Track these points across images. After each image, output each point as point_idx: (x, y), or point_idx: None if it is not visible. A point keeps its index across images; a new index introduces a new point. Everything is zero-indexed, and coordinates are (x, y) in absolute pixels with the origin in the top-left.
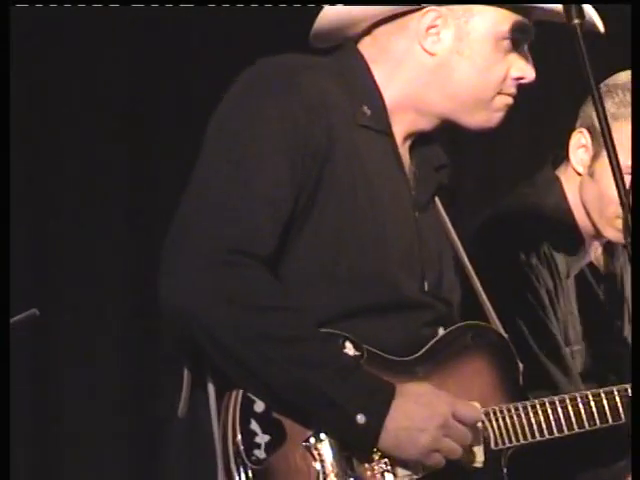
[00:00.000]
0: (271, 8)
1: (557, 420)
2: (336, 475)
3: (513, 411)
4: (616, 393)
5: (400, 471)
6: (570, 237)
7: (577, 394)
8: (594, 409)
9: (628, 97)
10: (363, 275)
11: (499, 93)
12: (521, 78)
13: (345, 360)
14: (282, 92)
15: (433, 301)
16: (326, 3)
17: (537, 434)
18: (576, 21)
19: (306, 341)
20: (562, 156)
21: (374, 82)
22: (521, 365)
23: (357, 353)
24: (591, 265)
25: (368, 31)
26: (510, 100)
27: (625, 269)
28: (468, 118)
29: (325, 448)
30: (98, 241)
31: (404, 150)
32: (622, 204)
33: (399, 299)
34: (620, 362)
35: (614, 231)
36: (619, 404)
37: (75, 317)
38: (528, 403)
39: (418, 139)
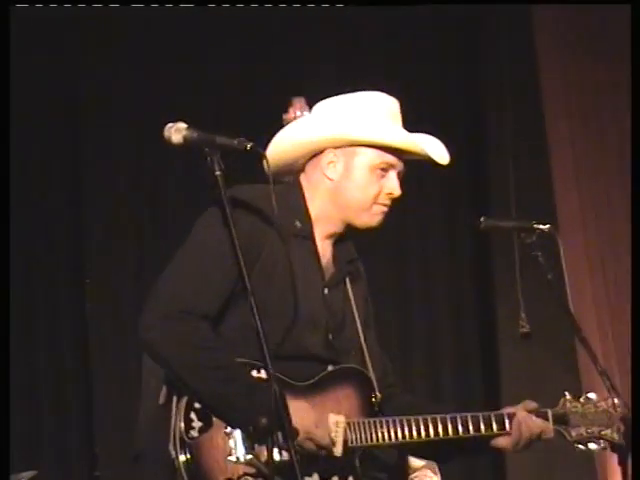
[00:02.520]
0: (271, 8)
1: (395, 432)
2: (241, 452)
3: (366, 423)
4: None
5: (285, 453)
6: None
7: (418, 417)
8: (422, 427)
9: None
10: (279, 335)
11: (375, 203)
12: (390, 194)
13: (252, 382)
14: (235, 212)
15: (329, 350)
16: (326, 4)
17: (381, 440)
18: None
19: (228, 369)
20: None
21: (305, 203)
22: (379, 395)
23: (266, 377)
24: None
25: (303, 167)
26: (384, 208)
27: None
28: (357, 221)
29: (237, 433)
30: None
31: (326, 247)
32: None
33: (304, 351)
34: None
35: None
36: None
37: None
38: (377, 419)
39: (337, 240)
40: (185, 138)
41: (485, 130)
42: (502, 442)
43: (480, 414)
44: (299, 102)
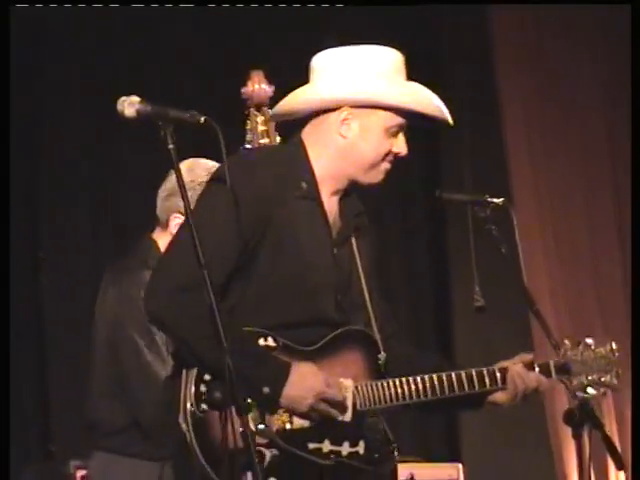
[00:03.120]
0: (271, 8)
1: (402, 393)
2: (253, 422)
3: (373, 386)
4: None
5: (295, 420)
6: None
7: (418, 377)
8: (422, 387)
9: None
10: (291, 300)
11: (383, 161)
12: (398, 153)
13: (258, 350)
14: (241, 184)
15: (339, 312)
16: (325, 4)
17: (388, 402)
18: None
19: (235, 340)
20: None
21: (309, 163)
22: (383, 355)
23: (274, 344)
24: None
25: (307, 121)
26: (389, 166)
27: None
28: (364, 178)
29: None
30: None
31: (332, 204)
32: None
33: (314, 316)
34: None
35: None
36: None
37: None
38: (384, 381)
39: (342, 196)
40: (138, 112)
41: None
42: (498, 397)
43: (474, 370)
44: (257, 75)
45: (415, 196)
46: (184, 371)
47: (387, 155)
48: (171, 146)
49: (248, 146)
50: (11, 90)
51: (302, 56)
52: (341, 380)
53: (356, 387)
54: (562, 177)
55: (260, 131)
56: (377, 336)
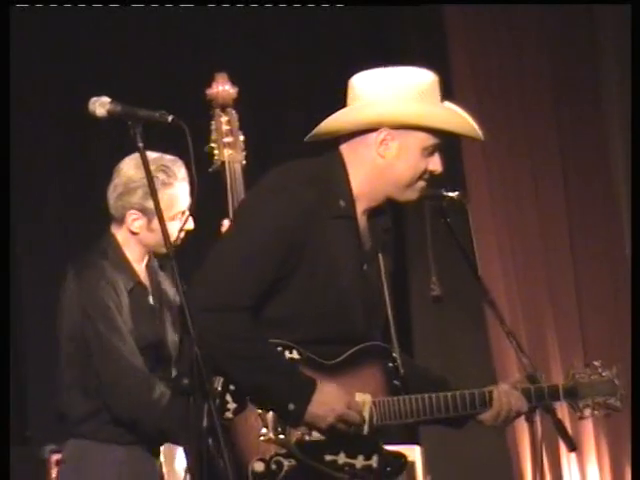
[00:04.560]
0: (271, 8)
1: (416, 411)
2: (273, 431)
3: (390, 402)
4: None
5: (314, 434)
6: None
7: (433, 395)
8: (442, 404)
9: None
10: (321, 318)
11: (419, 180)
12: (434, 171)
13: (286, 366)
14: (281, 202)
15: (365, 329)
16: (326, 4)
17: (403, 419)
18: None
19: (266, 359)
20: None
21: (348, 182)
22: (402, 371)
23: (298, 357)
24: None
25: (346, 139)
26: (424, 184)
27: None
28: (401, 196)
29: (270, 416)
30: None
31: (363, 220)
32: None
33: (342, 332)
34: None
35: None
36: (455, 401)
37: None
38: (400, 398)
39: (373, 211)
40: (109, 111)
41: None
42: (483, 416)
43: (476, 392)
44: (222, 77)
45: None
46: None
47: (424, 174)
48: (140, 144)
49: (213, 145)
50: (11, 90)
51: (265, 57)
52: (360, 395)
53: (374, 402)
54: (514, 173)
55: (224, 130)
56: (397, 351)
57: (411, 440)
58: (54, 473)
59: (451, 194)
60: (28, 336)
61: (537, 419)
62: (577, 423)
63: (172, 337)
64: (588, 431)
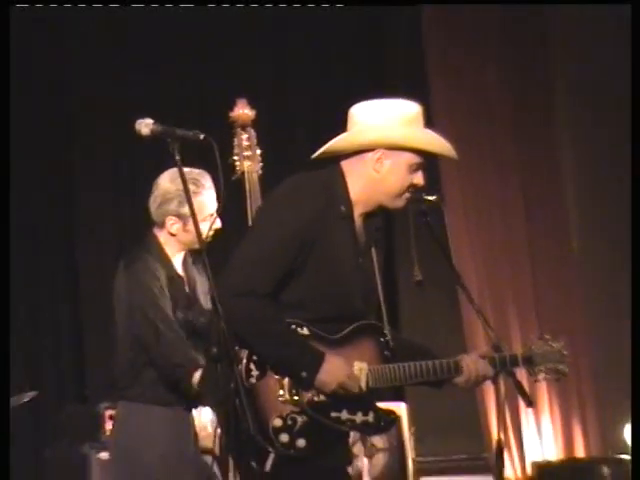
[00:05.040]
0: (271, 8)
1: (403, 376)
2: (289, 394)
3: (383, 369)
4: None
5: (321, 396)
6: None
7: (417, 363)
8: (422, 370)
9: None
10: (326, 300)
11: (405, 192)
12: (418, 184)
13: (300, 341)
14: (297, 203)
15: (361, 310)
16: (325, 4)
17: (393, 383)
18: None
19: (284, 336)
20: None
21: (347, 190)
22: (392, 344)
23: (308, 333)
24: None
25: (346, 157)
26: (410, 195)
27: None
28: (390, 204)
29: (286, 381)
30: None
31: (359, 221)
32: None
33: (343, 312)
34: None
35: None
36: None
37: None
38: (390, 366)
39: (367, 214)
40: (152, 131)
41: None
42: (457, 379)
43: (451, 360)
44: (242, 102)
45: None
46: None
47: (409, 187)
48: (177, 158)
49: (235, 157)
50: (11, 90)
51: (278, 86)
52: (358, 363)
53: (369, 369)
54: (482, 182)
55: (244, 146)
56: (387, 328)
57: (399, 398)
58: (108, 426)
59: (430, 197)
60: (86, 309)
61: (500, 381)
62: (533, 384)
63: (202, 317)
64: (542, 391)
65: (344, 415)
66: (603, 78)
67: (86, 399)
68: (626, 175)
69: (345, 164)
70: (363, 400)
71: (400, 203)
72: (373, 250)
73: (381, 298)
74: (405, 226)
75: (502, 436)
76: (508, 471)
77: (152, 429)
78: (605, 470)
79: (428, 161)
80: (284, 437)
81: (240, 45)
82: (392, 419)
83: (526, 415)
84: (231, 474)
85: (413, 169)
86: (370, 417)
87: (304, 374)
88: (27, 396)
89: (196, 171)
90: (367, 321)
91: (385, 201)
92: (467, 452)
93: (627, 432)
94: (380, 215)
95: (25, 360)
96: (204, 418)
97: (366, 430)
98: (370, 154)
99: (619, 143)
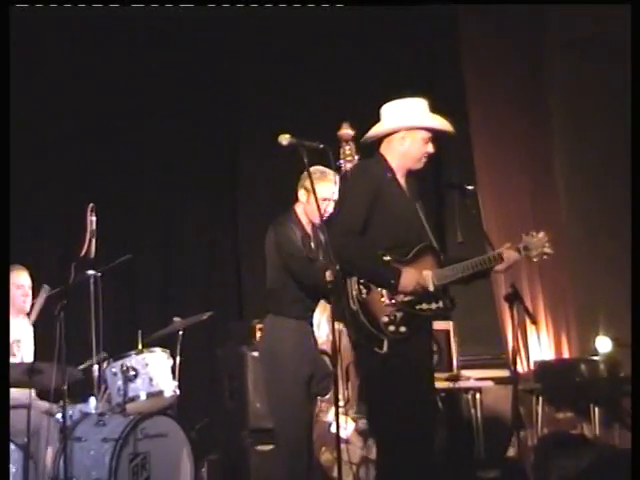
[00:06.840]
0: (271, 8)
1: (458, 270)
2: (388, 299)
3: (440, 271)
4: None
5: (407, 297)
6: None
7: (465, 260)
8: (472, 264)
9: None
10: (396, 233)
11: (422, 157)
12: (430, 152)
13: (385, 264)
14: (362, 175)
15: (419, 238)
16: (325, 4)
17: (450, 280)
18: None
19: (375, 259)
20: None
21: (388, 163)
22: (442, 256)
23: (389, 258)
24: None
25: (380, 145)
26: (425, 159)
27: None
28: (414, 167)
29: (384, 291)
30: None
31: (402, 182)
32: None
33: (408, 240)
34: None
35: None
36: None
37: None
38: (446, 268)
39: (405, 177)
40: (290, 142)
41: None
42: (498, 267)
43: (495, 252)
44: (346, 124)
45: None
46: (347, 280)
47: (425, 154)
48: (305, 160)
49: (341, 162)
50: (11, 90)
51: (372, 111)
52: (425, 271)
53: (433, 272)
54: (510, 175)
55: (347, 154)
56: (437, 247)
57: (447, 319)
58: (258, 334)
59: (469, 187)
60: (244, 243)
61: (514, 307)
62: (536, 309)
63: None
64: (541, 313)
65: (424, 306)
66: None
67: (243, 316)
68: None
69: (382, 148)
70: (434, 295)
71: (420, 165)
72: (417, 205)
73: (428, 230)
74: (450, 208)
75: (515, 343)
76: (518, 367)
77: (286, 333)
78: (583, 367)
79: (464, 158)
80: (391, 327)
81: (352, 78)
82: (454, 304)
83: (530, 329)
84: (339, 366)
85: (425, 141)
86: (440, 304)
87: (392, 282)
88: (205, 315)
89: (322, 168)
90: (424, 243)
91: (411, 165)
92: (491, 354)
93: (598, 341)
94: (415, 177)
95: (206, 292)
96: (322, 331)
97: (441, 313)
98: (396, 135)
99: None
